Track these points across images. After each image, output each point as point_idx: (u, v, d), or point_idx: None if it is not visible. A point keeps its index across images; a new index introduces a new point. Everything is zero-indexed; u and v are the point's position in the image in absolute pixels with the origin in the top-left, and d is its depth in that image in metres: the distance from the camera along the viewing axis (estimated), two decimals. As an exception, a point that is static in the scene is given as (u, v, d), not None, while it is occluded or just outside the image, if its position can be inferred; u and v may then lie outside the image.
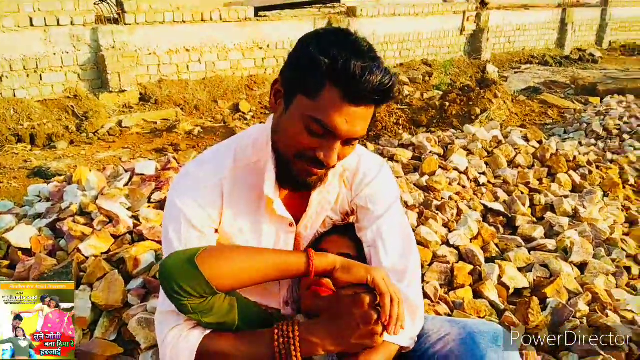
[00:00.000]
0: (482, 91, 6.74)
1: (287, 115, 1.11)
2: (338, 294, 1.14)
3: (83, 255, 1.94)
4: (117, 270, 1.83)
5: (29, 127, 6.31)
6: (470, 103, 6.52)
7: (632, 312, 2.12)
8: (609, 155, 4.12)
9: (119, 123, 6.90)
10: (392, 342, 1.14)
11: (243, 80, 8.75)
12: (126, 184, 2.54)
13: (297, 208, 1.31)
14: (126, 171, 2.74)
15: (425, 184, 2.91)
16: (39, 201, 2.71)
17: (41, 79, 6.92)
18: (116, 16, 7.50)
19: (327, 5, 10.20)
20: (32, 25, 6.74)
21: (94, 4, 7.34)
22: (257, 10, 8.95)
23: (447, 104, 6.60)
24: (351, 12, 9.82)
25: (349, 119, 1.05)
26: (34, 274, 1.85)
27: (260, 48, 8.92)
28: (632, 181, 3.66)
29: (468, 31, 12.06)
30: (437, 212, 2.58)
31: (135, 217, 2.21)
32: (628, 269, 2.46)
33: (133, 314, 1.68)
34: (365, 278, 1.10)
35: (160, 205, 2.29)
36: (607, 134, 5.43)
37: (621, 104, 6.74)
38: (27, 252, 2.05)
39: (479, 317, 1.96)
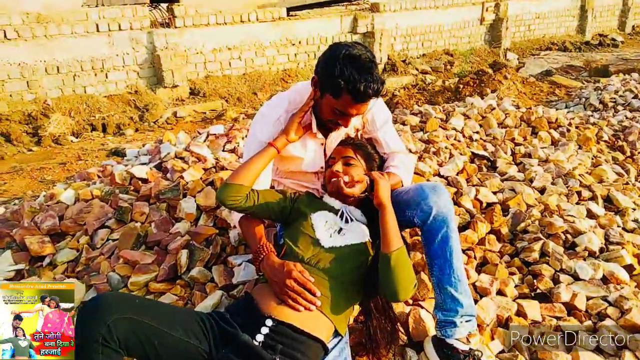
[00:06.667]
0: (493, 74, 7.50)
1: (322, 101, 1.97)
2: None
3: (185, 180, 2.88)
4: (210, 186, 2.77)
5: (99, 118, 7.40)
6: (482, 84, 7.28)
7: (573, 216, 2.92)
8: (592, 120, 4.86)
9: (174, 113, 7.95)
10: (401, 177, 2.07)
11: (278, 74, 9.70)
12: (204, 140, 3.49)
13: (326, 133, 2.21)
14: (200, 133, 3.69)
15: (427, 138, 3.75)
16: (138, 157, 3.69)
17: (107, 77, 8.01)
18: (167, 20, 8.55)
19: (352, 2, 11.04)
20: (98, 30, 7.81)
21: (149, 10, 8.40)
22: (289, 10, 9.87)
23: (461, 86, 7.38)
24: (375, 7, 10.61)
25: (356, 110, 1.92)
26: (155, 190, 2.79)
27: (293, 44, 9.83)
28: (606, 137, 4.41)
29: (487, 21, 12.70)
30: (433, 155, 3.43)
31: (215, 159, 3.14)
32: (580, 193, 3.25)
33: (223, 209, 2.61)
34: None
35: (232, 150, 3.23)
36: (603, 106, 6.12)
37: (624, 81, 7.36)
38: (144, 180, 3.01)
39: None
